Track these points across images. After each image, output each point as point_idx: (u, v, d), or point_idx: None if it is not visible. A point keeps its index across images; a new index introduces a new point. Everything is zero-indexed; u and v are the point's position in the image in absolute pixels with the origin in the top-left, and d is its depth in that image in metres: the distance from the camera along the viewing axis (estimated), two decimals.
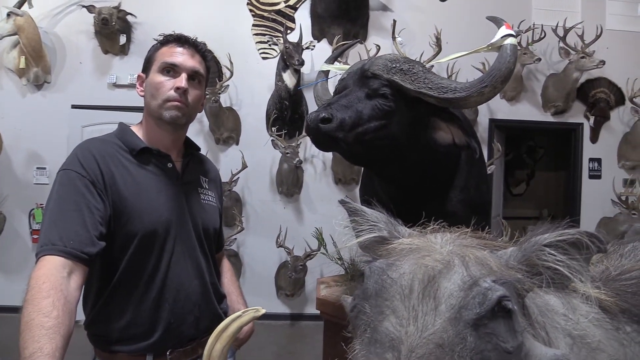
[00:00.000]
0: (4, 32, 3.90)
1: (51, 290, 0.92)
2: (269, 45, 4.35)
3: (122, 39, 4.23)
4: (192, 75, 1.22)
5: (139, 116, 1.29)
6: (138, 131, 1.26)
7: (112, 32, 4.13)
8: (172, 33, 1.26)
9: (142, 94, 1.24)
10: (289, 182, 4.22)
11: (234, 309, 1.37)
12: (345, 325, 0.79)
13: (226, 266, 1.48)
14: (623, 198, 4.28)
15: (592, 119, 4.63)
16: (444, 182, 1.49)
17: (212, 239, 1.31)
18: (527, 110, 4.61)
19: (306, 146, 4.32)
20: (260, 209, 4.39)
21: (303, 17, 4.43)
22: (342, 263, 1.94)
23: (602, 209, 4.54)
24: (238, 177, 4.09)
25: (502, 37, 1.26)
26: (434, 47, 3.85)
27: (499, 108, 4.57)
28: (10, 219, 4.17)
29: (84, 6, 4.10)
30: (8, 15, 3.89)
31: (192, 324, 1.20)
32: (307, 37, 4.33)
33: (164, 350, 1.15)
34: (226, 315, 1.26)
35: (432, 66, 3.35)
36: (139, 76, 1.27)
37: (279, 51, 4.24)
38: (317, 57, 4.31)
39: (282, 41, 4.13)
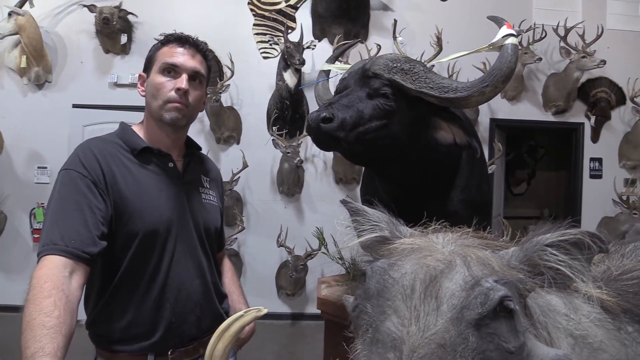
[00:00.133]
0: (5, 32, 3.90)
1: (53, 290, 0.93)
2: (270, 44, 4.35)
3: (123, 39, 4.23)
4: (193, 76, 1.22)
5: (140, 116, 1.28)
6: (139, 131, 1.25)
7: (113, 31, 4.14)
8: (173, 32, 1.26)
9: (143, 94, 1.24)
10: (290, 182, 4.22)
11: (236, 308, 1.37)
12: (346, 325, 0.79)
13: (227, 266, 1.48)
14: (624, 198, 4.29)
15: (593, 118, 4.62)
16: (445, 182, 1.49)
17: (213, 238, 1.31)
18: (528, 110, 4.61)
19: (307, 146, 4.32)
20: (261, 209, 4.39)
21: (304, 17, 4.43)
22: (343, 263, 1.94)
23: (603, 209, 4.54)
24: (239, 177, 4.09)
25: (503, 37, 1.26)
26: (434, 47, 3.85)
27: (500, 108, 4.56)
28: (11, 219, 4.17)
29: (85, 6, 4.11)
30: (9, 14, 3.90)
31: (194, 323, 1.20)
32: (308, 37, 4.33)
33: (166, 350, 1.15)
34: (227, 315, 1.27)
35: (433, 66, 3.35)
36: (140, 76, 1.26)
37: (279, 51, 4.24)
38: (317, 56, 4.31)
39: (283, 41, 4.13)
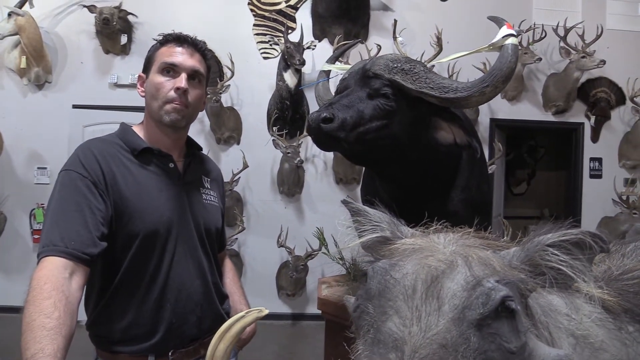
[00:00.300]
0: (5, 32, 3.90)
1: (53, 291, 0.92)
2: (270, 45, 4.35)
3: (123, 39, 4.23)
4: (192, 75, 1.21)
5: (140, 116, 1.28)
6: (139, 131, 1.25)
7: (113, 32, 4.13)
8: (172, 32, 1.26)
9: (143, 94, 1.24)
10: (290, 182, 4.22)
11: (237, 309, 1.37)
12: (346, 326, 0.78)
13: (228, 266, 1.48)
14: (624, 197, 4.29)
15: (592, 118, 4.63)
16: (446, 182, 1.49)
17: (214, 238, 1.31)
18: (528, 110, 4.61)
19: (307, 146, 4.32)
20: (261, 209, 4.39)
21: (304, 17, 4.43)
22: (344, 263, 1.94)
23: (603, 209, 4.54)
24: (239, 177, 4.09)
25: (503, 37, 1.26)
26: (434, 47, 3.85)
27: (500, 108, 4.57)
28: (11, 219, 4.17)
29: (85, 6, 4.11)
30: (9, 15, 3.90)
31: (194, 324, 1.20)
32: (308, 37, 4.33)
33: (166, 351, 1.15)
34: (229, 316, 1.27)
35: (433, 66, 3.35)
36: (139, 76, 1.26)
37: (280, 51, 4.24)
38: (318, 56, 4.31)
39: (283, 41, 4.13)
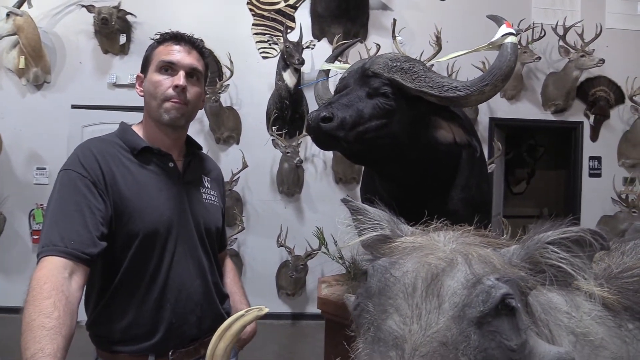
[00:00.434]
0: (3, 32, 3.90)
1: (52, 291, 0.92)
2: (269, 44, 4.35)
3: (122, 39, 4.23)
4: (190, 72, 1.21)
5: (139, 116, 1.28)
6: (139, 130, 1.25)
7: (112, 31, 4.13)
8: (169, 31, 1.26)
9: (142, 94, 1.24)
10: (290, 182, 4.22)
11: (237, 309, 1.36)
12: (346, 325, 0.78)
13: (229, 266, 1.48)
14: (623, 196, 4.30)
15: (592, 117, 4.63)
16: (445, 181, 1.49)
17: (214, 238, 1.31)
18: (527, 109, 4.62)
19: (307, 145, 4.32)
20: (261, 209, 4.39)
21: (303, 16, 4.43)
22: (343, 262, 1.94)
23: (602, 207, 4.55)
24: (238, 177, 4.09)
25: (502, 36, 1.26)
26: (434, 46, 3.85)
27: (499, 107, 4.57)
28: (11, 220, 4.17)
29: (83, 6, 4.10)
30: (7, 15, 3.89)
31: (194, 324, 1.20)
32: (307, 37, 4.33)
33: (166, 351, 1.15)
34: (229, 316, 1.26)
35: (433, 65, 3.35)
36: (138, 76, 1.26)
37: (279, 50, 4.24)
38: (317, 56, 4.31)
39: (282, 40, 4.13)
